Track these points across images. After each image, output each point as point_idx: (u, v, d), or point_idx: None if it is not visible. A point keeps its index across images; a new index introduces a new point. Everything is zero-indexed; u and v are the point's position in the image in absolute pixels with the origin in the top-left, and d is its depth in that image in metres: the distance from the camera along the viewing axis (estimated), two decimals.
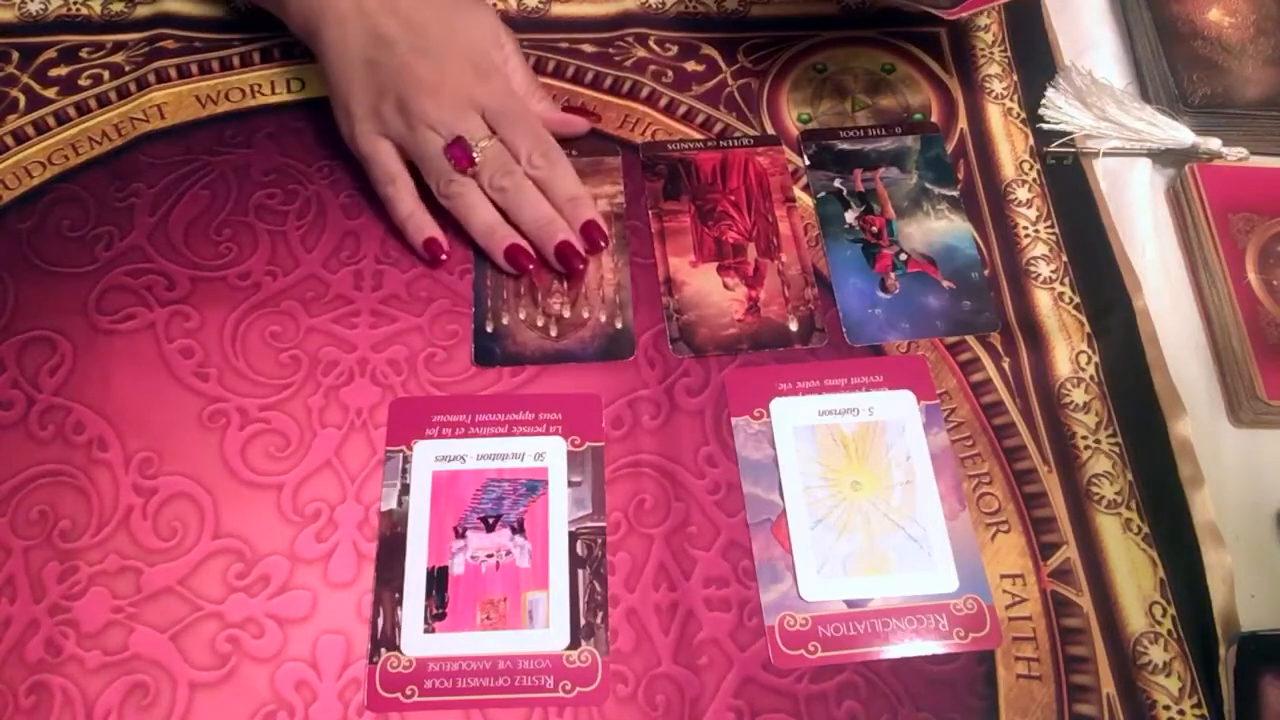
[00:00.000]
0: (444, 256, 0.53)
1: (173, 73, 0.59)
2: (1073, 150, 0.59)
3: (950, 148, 0.60)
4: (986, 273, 0.55)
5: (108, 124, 0.57)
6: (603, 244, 0.53)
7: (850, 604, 0.46)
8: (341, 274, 0.53)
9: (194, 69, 0.59)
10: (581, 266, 0.53)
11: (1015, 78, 0.63)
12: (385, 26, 0.52)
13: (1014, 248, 0.56)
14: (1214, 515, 0.47)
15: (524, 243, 0.53)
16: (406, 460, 0.48)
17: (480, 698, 0.43)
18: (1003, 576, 0.47)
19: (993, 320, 0.53)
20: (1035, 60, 0.63)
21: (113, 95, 0.58)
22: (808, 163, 0.58)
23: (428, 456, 0.48)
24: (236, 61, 0.60)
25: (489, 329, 0.52)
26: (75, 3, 0.62)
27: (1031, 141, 0.60)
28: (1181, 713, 0.44)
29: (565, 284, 0.53)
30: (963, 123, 0.61)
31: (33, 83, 0.58)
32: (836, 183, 0.58)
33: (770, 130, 0.60)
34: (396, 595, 0.45)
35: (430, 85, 0.51)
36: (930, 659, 0.45)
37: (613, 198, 0.56)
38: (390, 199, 0.53)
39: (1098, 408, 0.51)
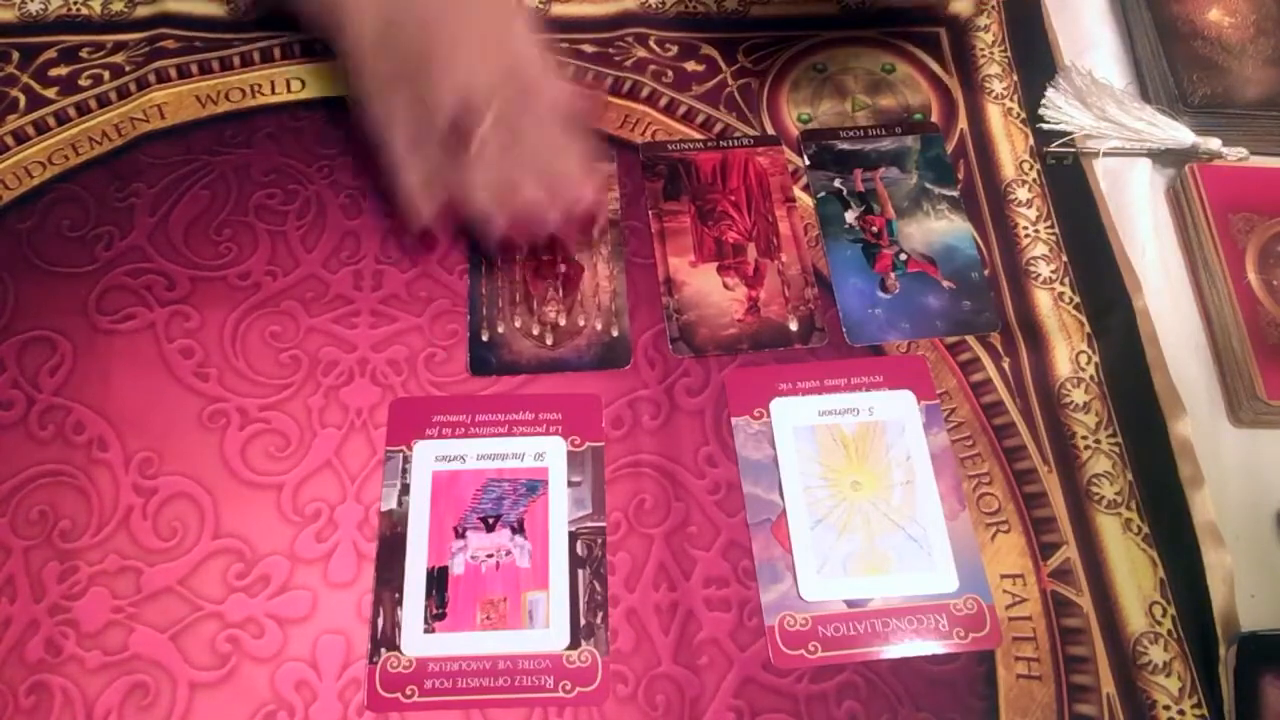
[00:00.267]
0: (440, 243, 0.52)
1: (173, 73, 0.59)
2: (1073, 150, 0.59)
3: (950, 148, 0.60)
4: (986, 273, 0.55)
5: (108, 124, 0.57)
6: (598, 227, 0.53)
7: (850, 604, 0.46)
8: (341, 274, 0.53)
9: (194, 69, 0.59)
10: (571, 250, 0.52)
11: (1015, 78, 0.63)
12: None
13: (1014, 248, 0.56)
14: (1214, 515, 0.47)
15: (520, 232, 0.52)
16: (406, 460, 0.48)
17: (480, 698, 0.43)
18: (1003, 576, 0.47)
19: (993, 320, 0.53)
20: (1035, 60, 0.63)
21: (113, 95, 0.58)
22: (808, 163, 0.58)
23: (428, 456, 0.48)
24: (236, 61, 0.60)
25: (484, 337, 0.52)
26: (75, 3, 0.62)
27: (1031, 141, 0.60)
28: (1181, 713, 0.44)
29: (561, 292, 0.53)
30: (963, 123, 0.61)
31: (33, 83, 0.58)
32: (836, 183, 0.58)
33: (770, 130, 0.60)
34: (396, 595, 0.45)
35: (442, 72, 0.49)
36: (930, 659, 0.45)
37: (608, 204, 0.56)
38: (397, 180, 0.51)
39: (1098, 408, 0.51)
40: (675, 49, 0.62)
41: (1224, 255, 0.54)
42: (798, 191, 0.58)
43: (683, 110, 0.60)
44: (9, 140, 0.56)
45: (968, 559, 0.47)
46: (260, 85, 0.59)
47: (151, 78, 0.59)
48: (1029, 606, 0.46)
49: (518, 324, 0.52)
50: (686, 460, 0.49)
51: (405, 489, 0.47)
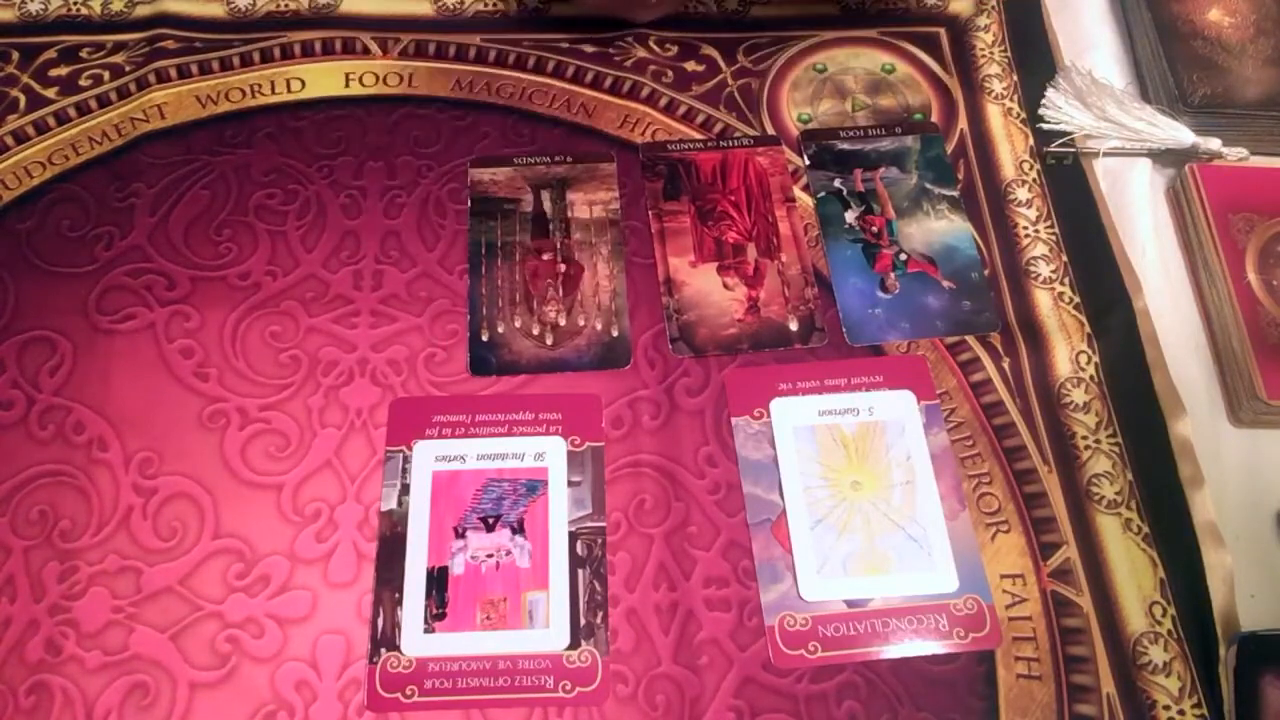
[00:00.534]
0: None
1: (173, 73, 0.59)
2: (1073, 150, 0.59)
3: (950, 148, 0.60)
4: (986, 273, 0.55)
5: (108, 124, 0.57)
6: None
7: (850, 604, 0.46)
8: (341, 274, 0.53)
9: (194, 69, 0.59)
10: None
11: (1015, 78, 0.63)
12: None
13: (1014, 248, 0.56)
14: (1214, 515, 0.47)
15: None
16: (406, 460, 0.48)
17: (480, 698, 0.43)
18: (1003, 576, 0.47)
19: (993, 320, 0.53)
20: (1035, 60, 0.63)
21: (113, 95, 0.58)
22: (808, 163, 0.58)
23: (428, 456, 0.48)
24: (236, 61, 0.60)
25: (484, 337, 0.52)
26: (75, 3, 0.62)
27: (1031, 141, 0.60)
28: (1181, 713, 0.44)
29: (561, 292, 0.53)
30: (963, 123, 0.61)
31: (33, 83, 0.58)
32: (836, 183, 0.58)
33: (770, 130, 0.60)
34: (396, 595, 0.45)
35: None
36: (930, 659, 0.45)
37: (608, 204, 0.56)
38: None
39: (1098, 408, 0.51)
40: (675, 49, 0.62)
41: (1224, 255, 0.54)
42: (798, 191, 0.58)
43: (683, 110, 0.60)
44: (9, 140, 0.56)
45: (968, 559, 0.47)
46: (260, 85, 0.59)
47: (151, 78, 0.59)
48: (1029, 606, 0.46)
49: (518, 324, 0.52)
50: (686, 460, 0.49)
51: (405, 489, 0.47)
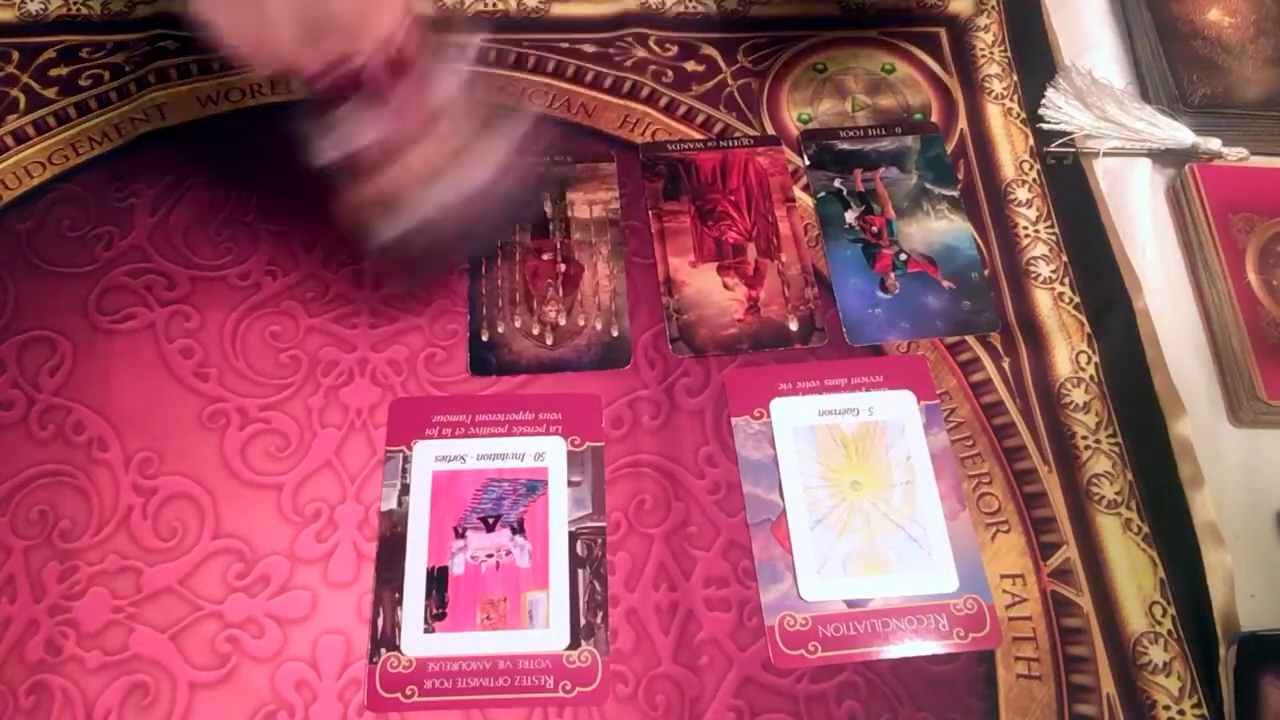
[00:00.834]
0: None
1: (173, 73, 0.59)
2: (1073, 150, 0.59)
3: (950, 148, 0.60)
4: (986, 273, 0.55)
5: (108, 124, 0.57)
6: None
7: (850, 604, 0.46)
8: (341, 274, 0.53)
9: (194, 69, 0.59)
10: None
11: (1015, 78, 0.63)
12: None
13: (1014, 248, 0.56)
14: (1214, 515, 0.47)
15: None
16: (406, 460, 0.48)
17: (480, 698, 0.43)
18: (1003, 576, 0.47)
19: (993, 320, 0.53)
20: (1035, 60, 0.63)
21: (113, 95, 0.58)
22: (808, 163, 0.58)
23: (428, 456, 0.48)
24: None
25: (484, 337, 0.52)
26: (75, 3, 0.62)
27: (1031, 141, 0.60)
28: (1181, 713, 0.44)
29: (561, 292, 0.53)
30: (963, 123, 0.61)
31: (33, 83, 0.58)
32: (836, 183, 0.58)
33: (770, 130, 0.60)
34: (396, 595, 0.45)
35: None
36: (930, 659, 0.45)
37: (608, 204, 0.56)
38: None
39: (1098, 408, 0.51)
40: (675, 49, 0.62)
41: (1224, 255, 0.54)
42: (798, 191, 0.58)
43: (683, 110, 0.60)
44: (9, 140, 0.56)
45: (968, 559, 0.47)
46: (260, 85, 0.59)
47: (151, 78, 0.59)
48: (1029, 606, 0.46)
49: (518, 324, 0.52)
50: (686, 460, 0.49)
51: (405, 489, 0.47)
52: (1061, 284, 0.55)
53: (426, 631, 0.44)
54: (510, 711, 0.43)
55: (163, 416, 0.49)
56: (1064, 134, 0.59)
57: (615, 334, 0.52)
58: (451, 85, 0.45)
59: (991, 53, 0.64)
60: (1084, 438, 0.50)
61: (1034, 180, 0.59)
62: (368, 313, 0.52)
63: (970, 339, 0.53)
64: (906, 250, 0.55)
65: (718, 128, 0.59)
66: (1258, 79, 0.60)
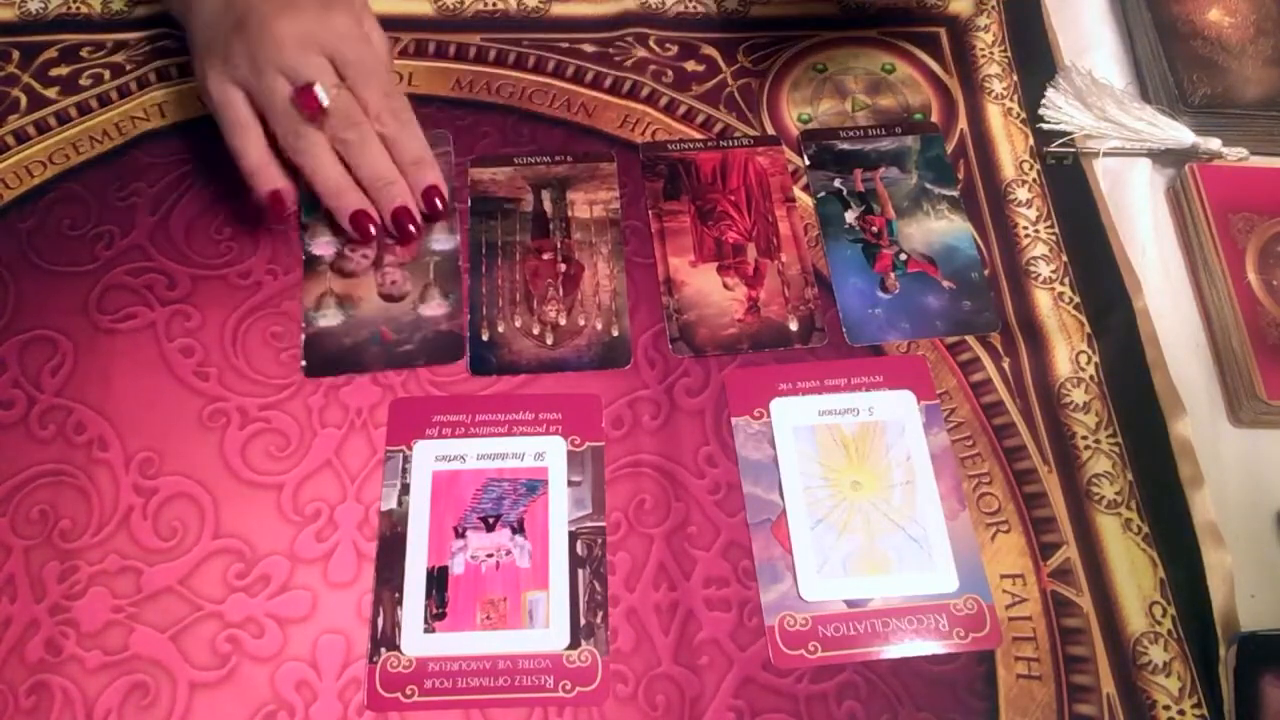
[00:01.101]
0: (289, 212, 0.52)
1: (174, 72, 0.59)
2: (1073, 150, 0.59)
3: (950, 148, 0.60)
4: (986, 273, 0.55)
5: (109, 123, 0.57)
6: (441, 210, 0.52)
7: (850, 604, 0.46)
8: None
9: None
10: (414, 232, 0.52)
11: (1015, 78, 0.63)
12: None
13: (1014, 248, 0.56)
14: (1214, 515, 0.47)
15: (372, 210, 0.51)
16: (406, 460, 0.48)
17: (480, 698, 0.43)
18: (1003, 576, 0.47)
19: (993, 320, 0.53)
20: (1035, 60, 0.63)
21: (113, 94, 0.58)
22: (808, 163, 0.58)
23: (428, 456, 0.48)
24: None
25: (484, 337, 0.52)
26: (75, 2, 0.62)
27: (1031, 141, 0.60)
28: (1181, 713, 0.44)
29: (561, 291, 0.53)
30: (963, 123, 0.61)
31: (33, 82, 0.58)
32: (836, 183, 0.58)
33: (770, 130, 0.60)
34: (396, 595, 0.45)
35: (278, 32, 0.49)
36: (930, 659, 0.45)
37: (608, 203, 0.56)
38: (238, 150, 0.50)
39: (1098, 408, 0.51)
40: (675, 49, 0.62)
41: (1224, 255, 0.54)
42: (798, 191, 0.58)
43: (683, 110, 0.60)
44: (10, 140, 0.56)
45: (968, 559, 0.47)
46: None
47: (152, 77, 0.59)
48: (1029, 606, 0.46)
49: (518, 324, 0.52)
50: (686, 460, 0.49)
51: (405, 489, 0.47)
52: (1061, 284, 0.55)
53: (426, 631, 0.44)
54: (510, 711, 0.43)
55: (163, 416, 0.49)
56: (1064, 134, 0.59)
57: (615, 334, 0.52)
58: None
59: (991, 53, 0.64)
60: (1084, 438, 0.50)
61: (1034, 180, 0.59)
62: None
63: (970, 339, 0.53)
64: (906, 250, 0.56)
65: (718, 128, 0.59)
66: (1258, 79, 0.60)
